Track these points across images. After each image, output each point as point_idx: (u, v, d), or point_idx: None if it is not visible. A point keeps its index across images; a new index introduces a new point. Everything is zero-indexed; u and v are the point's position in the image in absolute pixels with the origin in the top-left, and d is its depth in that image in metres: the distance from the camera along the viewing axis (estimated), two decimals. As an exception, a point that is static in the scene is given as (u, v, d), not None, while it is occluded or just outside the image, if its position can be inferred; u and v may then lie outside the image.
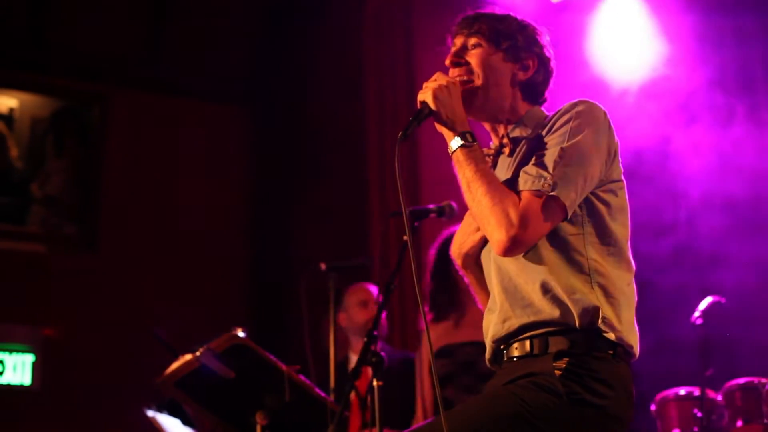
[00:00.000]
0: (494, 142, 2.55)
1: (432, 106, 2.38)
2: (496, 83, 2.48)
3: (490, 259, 2.46)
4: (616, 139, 2.40)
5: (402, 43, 6.57)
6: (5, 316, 7.15)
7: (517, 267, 2.35)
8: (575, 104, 2.37)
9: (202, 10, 7.89)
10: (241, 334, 3.47)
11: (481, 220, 2.29)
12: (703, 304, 4.56)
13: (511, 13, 2.56)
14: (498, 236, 2.24)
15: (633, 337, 2.35)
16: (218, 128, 8.09)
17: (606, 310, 2.29)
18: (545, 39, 2.55)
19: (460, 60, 2.50)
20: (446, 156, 2.41)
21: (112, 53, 7.72)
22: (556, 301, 2.29)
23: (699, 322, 4.52)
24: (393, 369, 4.45)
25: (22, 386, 7.09)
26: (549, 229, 2.27)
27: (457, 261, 2.59)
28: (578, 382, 2.24)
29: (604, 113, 2.38)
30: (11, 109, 7.68)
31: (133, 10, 7.80)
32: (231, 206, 8.02)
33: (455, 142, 2.36)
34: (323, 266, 4.33)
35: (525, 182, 2.28)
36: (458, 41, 2.53)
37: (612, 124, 2.39)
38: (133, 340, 6.61)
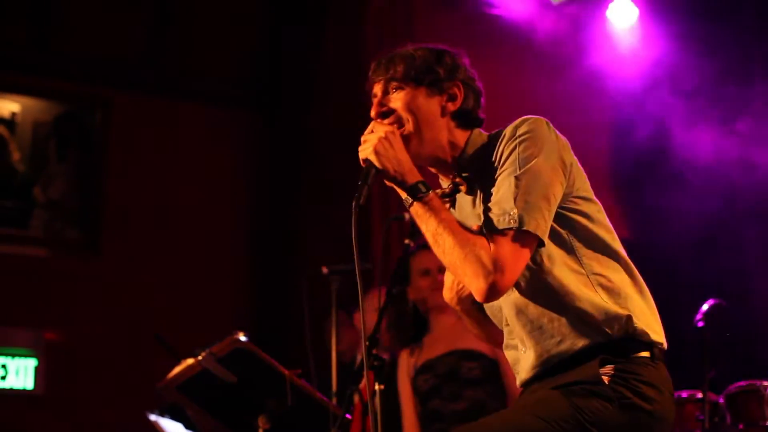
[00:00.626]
0: (444, 182, 2.47)
1: (377, 164, 2.28)
2: (427, 122, 2.38)
3: (497, 303, 2.40)
4: (564, 139, 2.33)
5: (404, 45, 6.55)
6: (8, 320, 7.14)
7: (536, 309, 2.30)
8: (516, 127, 2.29)
9: (204, 13, 7.89)
10: (243, 338, 3.48)
11: (456, 272, 2.24)
12: (705, 306, 4.56)
13: (423, 45, 2.49)
14: (477, 285, 2.18)
15: (658, 328, 2.34)
16: (220, 131, 8.08)
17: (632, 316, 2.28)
18: (464, 60, 2.47)
19: (384, 109, 2.43)
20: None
21: (114, 57, 7.72)
22: (588, 326, 2.26)
23: (700, 324, 4.52)
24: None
25: (24, 390, 7.08)
26: (526, 263, 2.22)
27: (454, 306, 2.53)
28: (627, 387, 2.22)
29: (547, 124, 2.30)
30: (13, 113, 7.68)
31: (135, 13, 7.80)
32: (233, 210, 8.01)
33: (409, 197, 2.27)
34: (325, 270, 4.34)
35: (490, 224, 2.21)
36: (378, 89, 2.47)
37: (558, 133, 2.32)
38: (135, 343, 6.61)
